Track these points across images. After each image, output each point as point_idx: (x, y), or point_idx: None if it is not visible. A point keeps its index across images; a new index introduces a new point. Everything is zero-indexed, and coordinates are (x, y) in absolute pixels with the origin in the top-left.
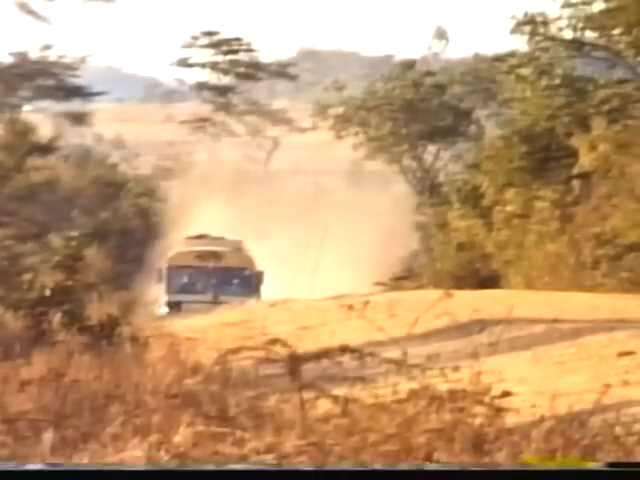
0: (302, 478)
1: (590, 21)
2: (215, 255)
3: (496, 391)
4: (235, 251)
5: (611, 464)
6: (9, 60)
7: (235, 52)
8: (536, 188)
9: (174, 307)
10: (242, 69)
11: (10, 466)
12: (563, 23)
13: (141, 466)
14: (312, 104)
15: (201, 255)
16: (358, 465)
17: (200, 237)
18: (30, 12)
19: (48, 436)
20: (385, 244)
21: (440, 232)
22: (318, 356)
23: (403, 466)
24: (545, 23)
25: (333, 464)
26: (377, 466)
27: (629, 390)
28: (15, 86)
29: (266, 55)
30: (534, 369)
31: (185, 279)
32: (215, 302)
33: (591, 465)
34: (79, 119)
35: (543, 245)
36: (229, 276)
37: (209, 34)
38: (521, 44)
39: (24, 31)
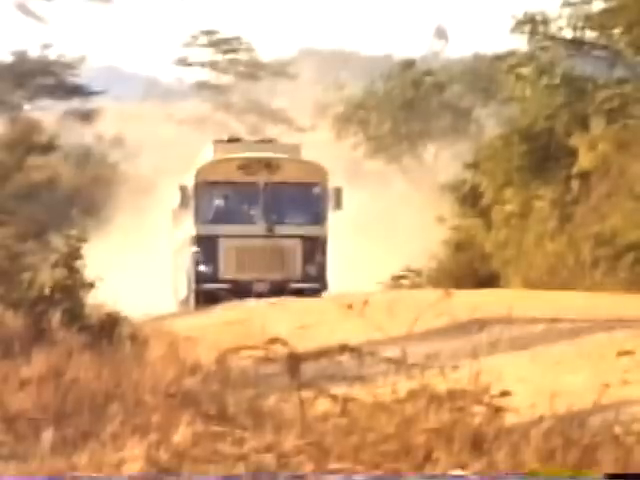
0: None
1: (590, 20)
2: (268, 164)
3: (495, 390)
4: (296, 158)
5: (609, 475)
6: (9, 59)
7: (235, 51)
8: (535, 187)
9: (208, 244)
10: (242, 68)
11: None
12: (563, 22)
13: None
14: (312, 103)
15: (246, 165)
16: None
17: (233, 141)
18: (28, 12)
19: (48, 435)
20: (384, 243)
21: (439, 231)
22: (317, 355)
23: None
24: (545, 22)
25: (332, 463)
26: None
27: (628, 389)
28: (15, 85)
29: (266, 54)
30: (533, 368)
31: (221, 202)
32: (269, 236)
33: (590, 475)
34: (86, 118)
35: (542, 245)
36: (289, 196)
37: (209, 33)
38: (521, 43)
39: (24, 30)
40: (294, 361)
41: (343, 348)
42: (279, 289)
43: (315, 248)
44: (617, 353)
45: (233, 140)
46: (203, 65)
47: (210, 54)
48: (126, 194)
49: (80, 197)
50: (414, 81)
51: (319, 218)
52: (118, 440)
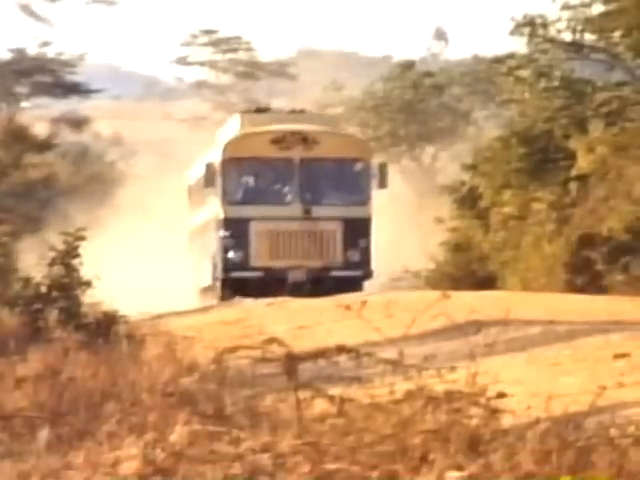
0: None
1: (589, 23)
2: (304, 138)
3: (492, 392)
4: (335, 131)
5: None
6: (7, 56)
7: (234, 51)
8: (533, 190)
9: (237, 228)
10: (241, 68)
11: None
12: (562, 25)
13: None
14: (311, 104)
15: (280, 139)
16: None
17: (262, 111)
18: (31, 14)
19: (44, 433)
20: (383, 244)
21: (438, 233)
22: (315, 356)
23: None
24: (544, 25)
25: (328, 464)
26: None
27: (624, 392)
28: (13, 82)
29: (265, 54)
30: (530, 370)
31: (252, 181)
32: (306, 218)
33: None
34: (78, 124)
35: (540, 247)
36: (328, 173)
37: (208, 32)
38: (520, 46)
39: (22, 28)
40: (291, 361)
41: (340, 349)
42: (317, 277)
43: (358, 231)
44: (613, 356)
45: (262, 110)
46: (202, 64)
47: (209, 53)
48: (124, 192)
49: (77, 195)
50: (413, 83)
51: (361, 198)
52: (114, 439)
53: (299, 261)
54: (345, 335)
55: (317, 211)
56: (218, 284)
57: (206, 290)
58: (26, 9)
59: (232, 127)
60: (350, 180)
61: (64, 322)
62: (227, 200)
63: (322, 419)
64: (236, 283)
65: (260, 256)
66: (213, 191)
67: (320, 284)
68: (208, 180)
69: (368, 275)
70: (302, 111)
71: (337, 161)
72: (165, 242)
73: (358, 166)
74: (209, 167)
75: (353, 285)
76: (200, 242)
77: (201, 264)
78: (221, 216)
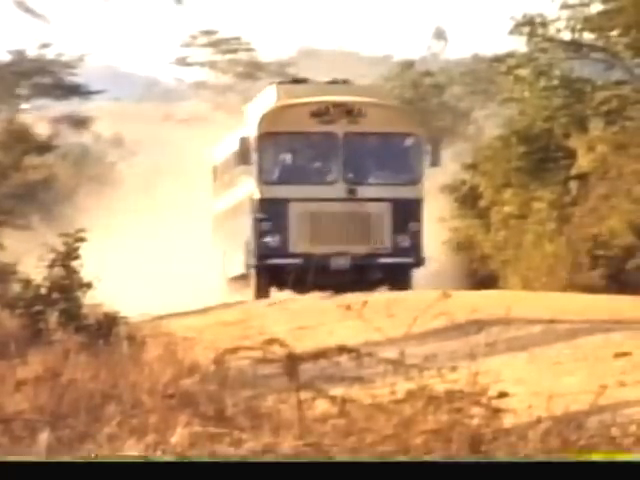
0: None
1: (588, 22)
2: (348, 110)
3: (493, 392)
4: (383, 103)
5: None
6: (6, 58)
7: (234, 51)
8: (534, 189)
9: (274, 210)
10: (241, 68)
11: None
12: (561, 24)
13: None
14: None
15: (322, 111)
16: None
17: (300, 81)
18: (27, 10)
19: (44, 436)
20: None
21: (438, 232)
22: (316, 356)
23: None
24: (544, 24)
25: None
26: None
27: (625, 391)
28: (12, 84)
29: (265, 54)
30: (531, 370)
31: (291, 158)
32: (351, 199)
33: None
34: (80, 123)
35: (541, 246)
36: (375, 149)
37: (208, 33)
38: (520, 45)
39: (22, 29)
40: (292, 362)
41: (342, 349)
42: (363, 265)
43: (408, 214)
44: (614, 355)
45: (299, 81)
46: (202, 65)
47: (209, 54)
48: (124, 194)
49: (78, 196)
50: (413, 82)
51: (412, 177)
52: (115, 441)
53: (343, 247)
54: (346, 335)
55: (363, 191)
56: (253, 272)
57: (237, 280)
58: (21, 5)
59: (267, 99)
60: (400, 157)
61: (64, 324)
62: (263, 179)
63: (323, 420)
64: (273, 271)
65: (300, 241)
66: (247, 169)
67: (366, 272)
68: (241, 157)
69: (419, 262)
70: (345, 81)
71: (385, 136)
72: (168, 242)
73: (409, 141)
74: (243, 142)
75: (402, 274)
76: (230, 227)
77: (231, 251)
78: (256, 197)
